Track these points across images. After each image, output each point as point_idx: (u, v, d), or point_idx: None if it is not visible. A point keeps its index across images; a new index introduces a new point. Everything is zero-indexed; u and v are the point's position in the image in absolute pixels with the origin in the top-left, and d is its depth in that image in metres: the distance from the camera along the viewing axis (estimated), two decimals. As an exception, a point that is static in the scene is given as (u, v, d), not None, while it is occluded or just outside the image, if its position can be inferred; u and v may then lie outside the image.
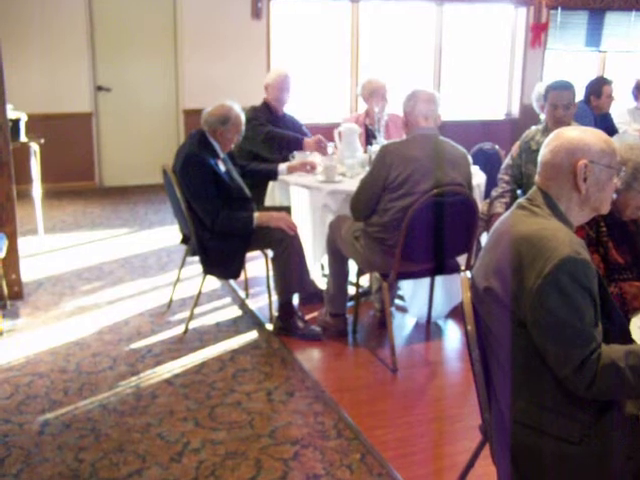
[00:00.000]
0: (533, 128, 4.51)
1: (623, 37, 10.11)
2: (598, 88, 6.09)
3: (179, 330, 4.18)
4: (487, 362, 2.12)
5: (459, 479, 2.49)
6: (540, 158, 2.11)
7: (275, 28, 8.29)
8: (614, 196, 2.66)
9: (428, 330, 4.37)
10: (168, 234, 6.16)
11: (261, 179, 4.65)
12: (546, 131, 4.12)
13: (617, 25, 10.02)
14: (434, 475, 2.92)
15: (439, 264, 3.95)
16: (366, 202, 3.79)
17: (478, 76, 9.57)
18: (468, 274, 2.21)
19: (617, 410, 2.00)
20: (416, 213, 3.59)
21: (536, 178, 2.12)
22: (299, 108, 5.61)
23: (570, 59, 9.75)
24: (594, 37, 9.95)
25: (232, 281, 4.80)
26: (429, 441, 3.18)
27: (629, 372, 1.84)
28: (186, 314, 4.27)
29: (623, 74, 9.57)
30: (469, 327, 2.10)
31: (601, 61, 10.12)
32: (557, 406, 1.96)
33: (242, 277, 4.42)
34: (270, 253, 4.17)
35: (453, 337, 4.35)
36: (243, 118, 4.16)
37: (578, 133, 2.08)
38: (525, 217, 2.03)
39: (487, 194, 4.66)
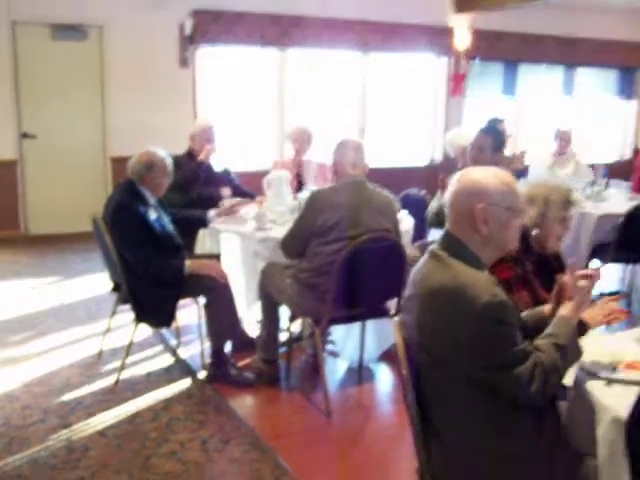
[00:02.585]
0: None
1: (535, 86, 10.63)
2: (495, 127, 6.40)
3: (110, 380, 4.13)
4: (423, 403, 2.19)
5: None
6: (447, 201, 2.22)
7: (202, 76, 8.37)
8: (535, 232, 2.84)
9: (361, 374, 4.41)
10: (97, 282, 6.08)
11: (192, 226, 4.67)
12: None
13: (530, 75, 10.54)
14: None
15: (370, 309, 4.04)
16: (295, 245, 3.89)
17: (403, 124, 9.85)
18: (396, 317, 2.30)
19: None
20: (346, 259, 3.67)
21: (447, 222, 2.23)
22: (227, 156, 5.67)
23: (488, 106, 10.12)
24: (509, 86, 10.42)
25: (164, 329, 4.77)
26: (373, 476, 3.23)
27: (562, 362, 2.10)
28: (117, 364, 4.22)
29: (536, 119, 10.06)
30: (404, 371, 2.17)
31: (517, 108, 10.57)
32: (500, 431, 2.09)
33: (174, 325, 4.41)
34: (202, 301, 4.18)
35: (385, 380, 4.43)
36: (169, 160, 4.20)
37: (477, 175, 2.18)
38: (437, 267, 2.12)
39: (415, 239, 4.79)
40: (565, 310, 2.25)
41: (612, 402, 2.08)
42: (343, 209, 3.73)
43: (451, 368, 2.07)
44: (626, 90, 11.58)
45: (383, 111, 9.60)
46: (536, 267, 3.00)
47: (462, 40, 9.51)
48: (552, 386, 2.09)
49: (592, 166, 6.85)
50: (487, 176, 2.17)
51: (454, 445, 2.15)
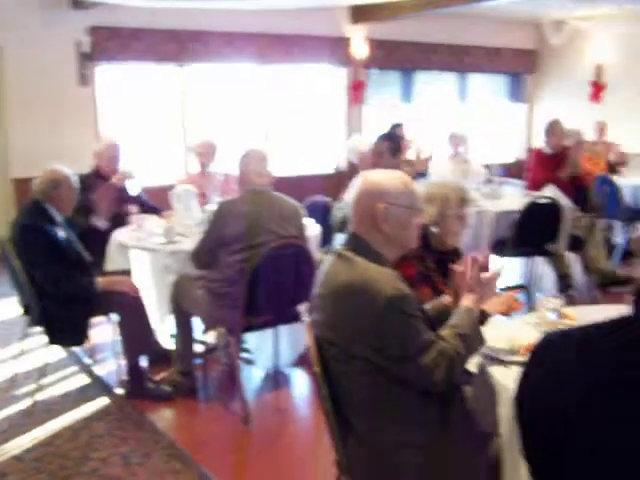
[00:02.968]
0: None
1: (431, 92, 11.02)
2: (393, 132, 6.68)
3: (26, 403, 4.06)
4: (337, 399, 2.29)
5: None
6: (350, 203, 2.35)
7: (103, 94, 8.28)
8: (435, 229, 3.00)
9: (277, 379, 4.51)
10: (5, 306, 5.95)
11: (99, 243, 4.65)
12: None
13: (425, 82, 10.91)
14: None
15: (281, 314, 4.13)
16: (205, 256, 3.94)
17: (307, 133, 10.00)
18: (307, 319, 2.40)
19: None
20: (257, 266, 3.76)
21: (351, 223, 2.35)
22: (140, 177, 5.70)
23: (387, 113, 10.40)
24: (407, 93, 10.75)
25: (78, 349, 4.72)
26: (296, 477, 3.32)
27: (464, 350, 2.22)
28: (32, 387, 4.15)
29: (433, 124, 10.42)
30: (316, 368, 2.27)
31: (414, 113, 10.90)
32: (409, 419, 2.21)
33: (87, 344, 4.38)
34: (114, 317, 4.17)
35: (301, 383, 4.52)
36: (75, 178, 4.18)
37: (377, 177, 2.32)
38: (343, 265, 2.24)
39: (322, 244, 4.92)
40: (467, 301, 2.39)
41: (512, 382, 2.24)
42: (248, 218, 3.81)
43: (360, 361, 2.18)
44: (516, 94, 12.12)
45: (286, 121, 9.72)
46: (437, 264, 3.16)
47: (359, 50, 9.74)
48: (455, 373, 2.22)
49: (487, 166, 7.18)
50: (386, 178, 2.31)
51: (367, 436, 2.26)
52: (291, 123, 9.79)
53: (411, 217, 2.32)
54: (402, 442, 2.22)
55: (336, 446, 2.35)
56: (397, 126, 7.53)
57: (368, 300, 2.11)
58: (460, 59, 10.96)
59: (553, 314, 2.76)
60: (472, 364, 2.44)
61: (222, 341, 4.43)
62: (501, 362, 2.42)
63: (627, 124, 9.57)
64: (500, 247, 5.63)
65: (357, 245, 2.27)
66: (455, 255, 3.30)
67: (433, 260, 3.15)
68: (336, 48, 9.66)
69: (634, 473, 1.24)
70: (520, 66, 11.85)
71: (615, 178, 7.41)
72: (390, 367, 2.16)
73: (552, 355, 1.40)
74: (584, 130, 8.14)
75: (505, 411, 2.25)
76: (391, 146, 4.85)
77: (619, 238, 7.44)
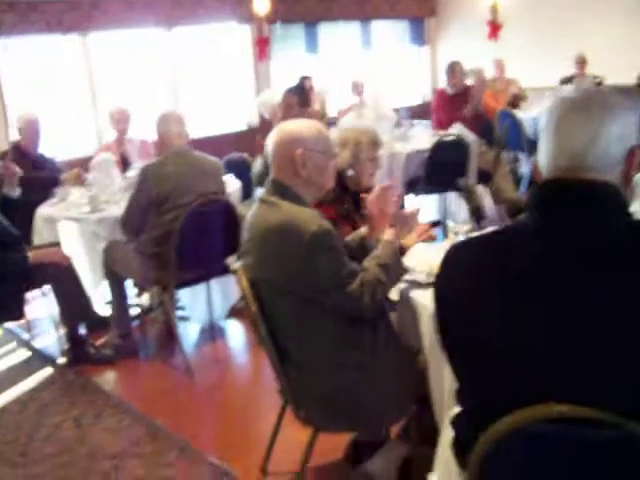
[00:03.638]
0: None
1: (336, 42, 11.16)
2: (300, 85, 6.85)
3: (-32, 382, 4.14)
4: (275, 333, 2.49)
5: (269, 446, 2.88)
6: (270, 152, 2.53)
7: (6, 69, 8.09)
8: (350, 172, 3.20)
9: (213, 332, 4.69)
10: None
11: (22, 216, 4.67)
12: None
13: (330, 33, 11.04)
14: (250, 452, 3.22)
15: (212, 268, 4.30)
16: (134, 220, 4.05)
17: (217, 92, 10.01)
18: (239, 264, 2.57)
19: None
20: (184, 224, 3.89)
21: (272, 171, 2.53)
22: (49, 146, 5.70)
23: (294, 66, 10.51)
24: (312, 45, 10.86)
25: (15, 325, 4.77)
26: (239, 426, 3.51)
27: (386, 277, 2.45)
28: (-28, 365, 4.24)
29: (339, 74, 10.57)
30: (253, 307, 2.46)
31: (321, 65, 11.05)
32: (342, 343, 2.45)
33: (24, 320, 4.44)
34: (49, 289, 4.26)
35: (236, 333, 4.72)
36: None
37: (294, 126, 2.51)
38: (268, 209, 2.43)
39: (243, 198, 5.08)
40: (388, 235, 2.62)
41: (429, 301, 2.49)
42: (174, 179, 3.94)
43: (293, 295, 2.38)
44: (418, 38, 12.39)
45: (196, 82, 9.71)
46: (354, 204, 3.38)
47: (262, 6, 9.77)
48: (379, 299, 2.45)
49: (396, 110, 7.43)
50: (301, 125, 2.50)
51: (306, 363, 2.48)
52: (201, 84, 9.78)
53: (327, 161, 2.52)
54: (337, 364, 2.45)
55: (279, 377, 2.56)
56: (305, 78, 7.70)
57: (295, 237, 2.31)
58: (362, 7, 11.11)
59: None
60: (394, 292, 2.67)
61: (156, 300, 4.58)
62: (419, 285, 2.66)
63: (524, 60, 9.94)
64: (414, 186, 5.91)
65: (279, 190, 2.46)
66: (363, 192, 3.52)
67: (351, 201, 3.36)
68: (238, 5, 9.64)
69: (546, 355, 1.44)
70: (420, 10, 12.09)
71: (516, 112, 7.76)
72: (319, 298, 2.37)
73: (461, 257, 1.62)
74: (485, 68, 8.49)
75: (426, 327, 2.50)
76: (300, 98, 5.02)
77: (524, 168, 7.83)
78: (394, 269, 2.53)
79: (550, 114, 1.57)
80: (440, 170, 5.82)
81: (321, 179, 2.52)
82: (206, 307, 4.68)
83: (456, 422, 1.74)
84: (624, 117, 1.50)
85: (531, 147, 7.68)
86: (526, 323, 1.45)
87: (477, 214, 6.11)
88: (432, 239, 2.88)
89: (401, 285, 2.69)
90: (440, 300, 1.64)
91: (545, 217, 1.50)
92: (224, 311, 4.79)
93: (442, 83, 9.95)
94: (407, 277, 2.69)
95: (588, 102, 1.52)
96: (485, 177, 6.44)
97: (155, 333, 4.65)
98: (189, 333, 4.71)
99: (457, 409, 1.83)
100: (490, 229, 1.66)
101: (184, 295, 4.77)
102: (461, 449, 1.66)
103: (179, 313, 4.86)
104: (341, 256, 2.40)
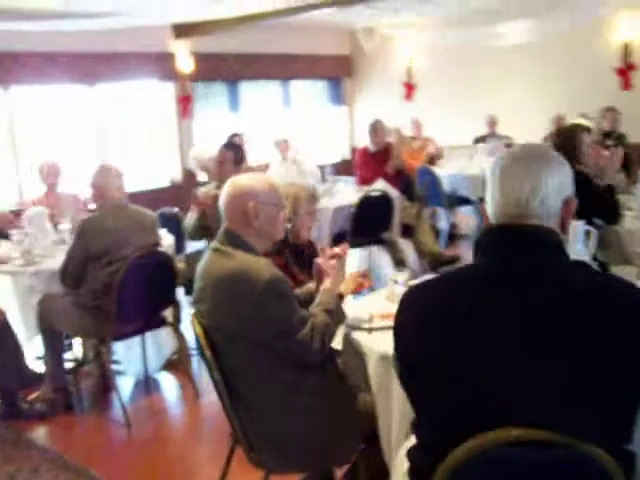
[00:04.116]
0: (209, 186, 5.18)
1: (257, 101, 11.43)
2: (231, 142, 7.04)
3: None
4: (227, 378, 2.57)
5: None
6: (222, 205, 2.65)
7: None
8: (288, 225, 3.36)
9: (148, 384, 4.69)
10: None
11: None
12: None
13: (251, 91, 11.31)
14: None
15: (149, 321, 4.34)
16: (73, 273, 4.05)
17: (142, 149, 10.05)
18: (192, 311, 2.65)
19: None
20: (124, 277, 3.94)
21: (224, 222, 2.65)
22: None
23: (216, 124, 10.68)
24: (234, 103, 11.09)
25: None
26: (179, 477, 3.54)
27: (332, 322, 2.61)
28: None
29: (261, 131, 10.81)
30: (207, 352, 2.54)
31: (242, 123, 11.27)
32: (291, 388, 2.54)
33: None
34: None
35: (171, 385, 4.73)
36: None
37: (246, 180, 2.66)
38: (221, 258, 2.54)
39: (177, 252, 5.16)
40: (327, 284, 2.79)
41: (375, 345, 2.65)
42: (114, 233, 3.99)
43: (245, 341, 2.48)
44: (336, 97, 12.82)
45: (121, 139, 9.73)
46: (294, 256, 3.52)
47: (185, 64, 9.95)
48: (328, 343, 2.60)
49: (321, 167, 7.67)
50: (253, 179, 2.64)
51: (258, 407, 2.56)
52: (125, 140, 9.81)
53: (277, 212, 2.66)
54: (287, 409, 2.55)
55: (231, 420, 2.63)
56: (235, 135, 7.88)
57: (249, 285, 2.42)
58: (282, 67, 11.44)
59: (401, 287, 3.19)
60: (337, 342, 2.81)
61: (92, 353, 4.56)
62: (363, 329, 2.81)
63: (439, 120, 10.42)
64: (340, 239, 6.09)
65: (232, 240, 2.57)
66: (309, 247, 3.68)
67: (290, 253, 3.50)
68: (161, 63, 9.78)
69: (502, 383, 1.57)
70: (338, 71, 12.55)
71: (434, 169, 8.12)
72: (272, 344, 2.48)
73: (419, 298, 1.77)
74: (402, 127, 8.89)
75: (373, 369, 2.63)
76: (235, 155, 5.17)
77: (443, 223, 8.17)
78: (337, 314, 2.69)
79: (496, 167, 1.76)
80: (366, 224, 6.05)
81: (272, 230, 2.66)
82: (141, 360, 4.69)
83: (413, 453, 1.86)
84: (560, 170, 1.72)
85: (450, 202, 8.05)
86: (484, 354, 1.61)
87: (400, 266, 6.40)
88: (366, 286, 3.07)
89: (344, 331, 2.84)
90: (400, 338, 1.78)
91: (497, 259, 1.68)
92: (159, 364, 4.81)
93: (360, 141, 10.36)
94: (350, 323, 2.84)
95: (529, 157, 1.73)
96: (408, 231, 6.71)
97: (90, 386, 4.61)
98: (124, 386, 4.70)
99: (412, 441, 1.97)
100: (442, 272, 1.83)
101: (118, 348, 4.77)
102: (419, 479, 1.79)
103: (114, 367, 4.84)
104: (293, 303, 2.53)
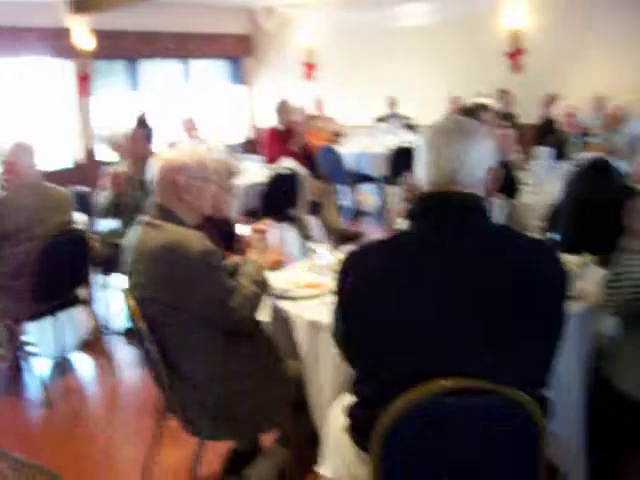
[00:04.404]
0: (119, 164, 5.17)
1: (157, 79, 11.32)
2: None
3: None
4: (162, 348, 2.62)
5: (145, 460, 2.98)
6: (153, 180, 2.68)
7: None
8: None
9: (63, 365, 4.65)
10: None
11: None
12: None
13: (151, 69, 11.19)
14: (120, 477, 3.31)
15: (64, 299, 4.29)
16: None
17: (41, 128, 9.75)
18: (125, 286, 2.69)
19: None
20: (39, 256, 3.89)
21: (155, 196, 2.69)
22: None
23: (116, 102, 10.51)
24: (133, 81, 10.93)
25: None
26: (105, 455, 3.56)
27: (260, 292, 2.71)
28: None
29: (162, 110, 10.70)
30: (141, 325, 2.58)
31: (142, 101, 11.12)
32: (223, 355, 2.64)
33: None
34: None
35: (87, 365, 4.72)
36: None
37: (175, 155, 2.70)
38: (153, 231, 2.58)
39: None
40: (253, 256, 2.89)
41: (303, 313, 2.77)
42: (27, 211, 3.93)
43: (181, 311, 2.54)
44: (237, 77, 12.82)
45: (21, 117, 9.41)
46: (214, 230, 3.58)
47: (83, 41, 9.71)
48: (255, 310, 2.70)
49: (227, 145, 7.70)
50: (183, 154, 2.69)
51: (192, 376, 2.63)
52: (26, 119, 9.49)
53: (207, 187, 2.72)
54: (219, 376, 2.63)
55: (166, 391, 2.68)
56: (144, 114, 7.80)
57: (182, 256, 2.48)
58: (182, 46, 11.36)
59: (322, 257, 3.33)
60: (264, 312, 2.91)
61: (4, 336, 4.47)
62: (290, 298, 2.92)
63: (340, 100, 10.61)
64: (251, 216, 6.17)
65: (162, 213, 2.62)
66: (226, 222, 3.75)
67: (212, 227, 3.56)
68: (58, 40, 9.53)
69: (437, 337, 1.73)
70: (238, 50, 12.54)
71: (337, 148, 8.29)
72: (203, 313, 2.55)
73: (360, 259, 1.90)
74: (304, 106, 9.00)
75: (302, 336, 2.75)
76: (145, 132, 5.16)
77: (346, 200, 8.36)
78: (262, 283, 2.78)
79: (426, 140, 1.91)
80: (275, 201, 6.15)
81: (202, 204, 2.72)
82: (55, 341, 4.64)
83: (353, 410, 2.00)
84: (485, 143, 1.89)
85: (353, 180, 8.25)
86: (421, 313, 1.76)
87: (308, 240, 6.53)
88: (283, 262, 3.20)
89: (271, 301, 2.94)
90: (344, 299, 1.91)
91: (429, 223, 1.83)
92: (73, 344, 4.77)
93: (261, 121, 10.41)
94: (278, 293, 2.95)
95: (458, 130, 1.88)
96: (315, 208, 6.84)
97: (5, 371, 4.53)
98: (40, 367, 4.63)
99: (343, 401, 2.12)
100: (378, 237, 1.97)
101: (32, 330, 4.69)
102: (360, 434, 1.93)
103: (27, 349, 4.77)
104: (222, 273, 2.62)
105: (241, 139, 12.26)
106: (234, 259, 3.10)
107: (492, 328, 1.73)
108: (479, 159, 1.86)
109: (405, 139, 8.29)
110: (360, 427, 1.93)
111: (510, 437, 1.78)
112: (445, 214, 1.83)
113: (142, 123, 5.28)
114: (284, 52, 12.22)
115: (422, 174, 1.90)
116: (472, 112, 4.59)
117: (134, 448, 3.23)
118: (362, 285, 1.85)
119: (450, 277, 1.75)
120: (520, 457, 1.82)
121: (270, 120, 7.40)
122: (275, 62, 12.46)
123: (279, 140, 7.10)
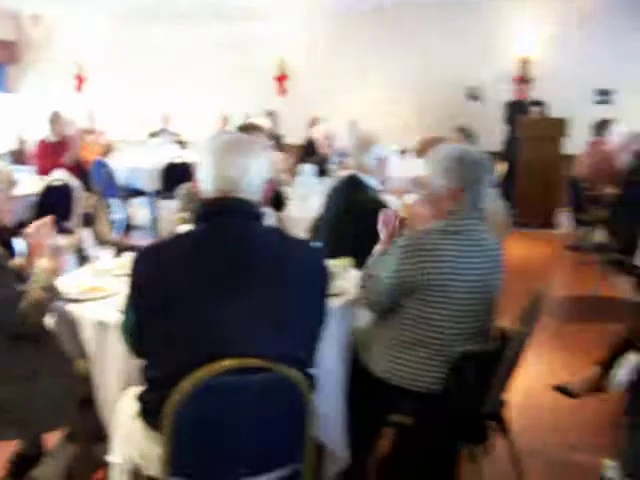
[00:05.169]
0: None
1: None
2: None
3: None
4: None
5: None
6: None
7: None
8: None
9: None
10: None
11: None
12: None
13: None
14: None
15: None
16: None
17: None
18: None
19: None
20: None
21: None
22: None
23: None
24: None
25: None
26: None
27: (47, 298, 2.78)
28: None
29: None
30: None
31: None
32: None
33: None
34: None
35: None
36: None
37: None
38: None
39: None
40: (42, 263, 2.95)
41: (89, 314, 2.91)
42: None
43: None
44: (0, 84, 12.26)
45: None
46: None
47: None
48: (43, 316, 2.82)
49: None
50: None
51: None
52: None
53: (-1, 195, 2.81)
54: (3, 377, 2.71)
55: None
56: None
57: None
58: None
59: (103, 264, 3.49)
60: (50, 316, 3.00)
61: None
62: (75, 300, 3.02)
63: (111, 112, 10.58)
64: (21, 229, 6.06)
65: None
66: (7, 230, 3.75)
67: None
68: None
69: (220, 323, 2.01)
70: (1, 56, 12.00)
71: (109, 162, 8.31)
72: None
73: (153, 255, 2.16)
74: (74, 118, 8.92)
75: (89, 334, 2.89)
76: None
77: (118, 214, 8.39)
78: (52, 290, 2.89)
79: (211, 151, 2.20)
80: (47, 213, 6.07)
81: None
82: None
83: (144, 396, 2.22)
84: (262, 157, 2.24)
85: (125, 194, 8.31)
86: (201, 300, 2.05)
87: (80, 253, 6.55)
88: (64, 266, 3.31)
89: (58, 304, 3.03)
90: (137, 286, 2.14)
91: (210, 223, 2.16)
92: None
93: (30, 131, 10.11)
94: (64, 296, 3.04)
95: (240, 144, 2.21)
96: (88, 220, 6.87)
97: None
98: None
99: (129, 394, 2.39)
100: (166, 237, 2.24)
101: None
102: (152, 414, 2.14)
103: None
104: (10, 277, 2.72)
105: (5, 149, 11.71)
106: (18, 261, 3.15)
107: (270, 315, 2.06)
108: (259, 170, 2.19)
109: (176, 154, 8.54)
110: (151, 410, 2.13)
111: (283, 409, 2.10)
112: (228, 216, 2.14)
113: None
114: (54, 61, 11.92)
115: (206, 182, 2.19)
116: (246, 130, 4.92)
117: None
118: (152, 277, 2.11)
119: (232, 270, 2.07)
120: (292, 427, 2.13)
121: (41, 130, 7.29)
122: (45, 71, 12.09)
123: (51, 152, 7.04)
